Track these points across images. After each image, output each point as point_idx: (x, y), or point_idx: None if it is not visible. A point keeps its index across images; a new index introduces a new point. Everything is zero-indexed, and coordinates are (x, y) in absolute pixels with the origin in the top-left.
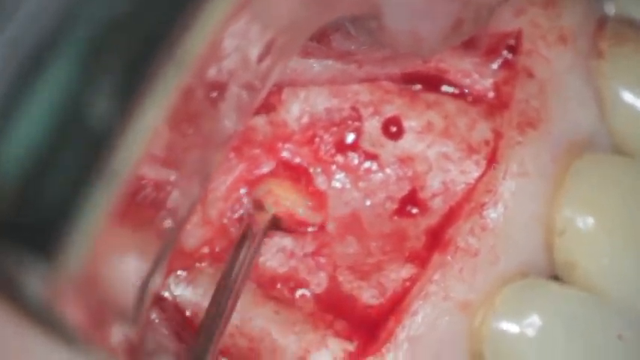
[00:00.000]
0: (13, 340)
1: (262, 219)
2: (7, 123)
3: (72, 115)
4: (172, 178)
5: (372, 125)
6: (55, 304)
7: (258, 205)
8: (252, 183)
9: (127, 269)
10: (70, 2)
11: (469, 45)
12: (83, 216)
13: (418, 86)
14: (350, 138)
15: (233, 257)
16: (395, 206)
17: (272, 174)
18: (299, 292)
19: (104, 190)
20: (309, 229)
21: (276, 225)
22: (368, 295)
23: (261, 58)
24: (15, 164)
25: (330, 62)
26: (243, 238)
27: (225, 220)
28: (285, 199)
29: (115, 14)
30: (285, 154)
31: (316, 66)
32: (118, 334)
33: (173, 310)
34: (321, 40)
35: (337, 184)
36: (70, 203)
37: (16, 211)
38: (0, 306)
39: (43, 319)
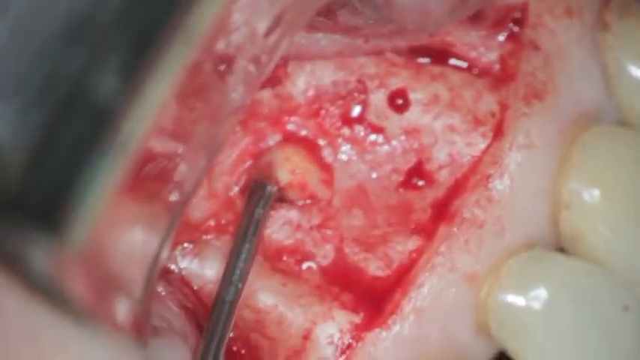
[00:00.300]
0: (17, 313)
1: (269, 190)
2: (10, 99)
3: (76, 90)
4: (180, 150)
5: (378, 98)
6: (60, 279)
7: (266, 176)
8: (258, 156)
9: (133, 243)
10: None
11: (475, 18)
12: (89, 190)
13: (425, 59)
14: (356, 111)
15: (240, 230)
16: (401, 178)
17: (281, 145)
18: (305, 265)
19: (110, 164)
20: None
21: (282, 197)
22: (374, 267)
23: (268, 32)
24: (20, 141)
25: (337, 36)
26: (249, 208)
27: (231, 193)
28: (304, 168)
29: None
30: (291, 127)
31: (323, 40)
32: (124, 309)
33: (179, 283)
34: (328, 16)
35: (343, 157)
36: (75, 177)
37: (21, 186)
38: (5, 280)
39: (48, 293)
